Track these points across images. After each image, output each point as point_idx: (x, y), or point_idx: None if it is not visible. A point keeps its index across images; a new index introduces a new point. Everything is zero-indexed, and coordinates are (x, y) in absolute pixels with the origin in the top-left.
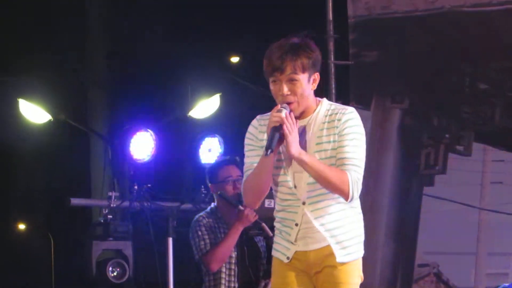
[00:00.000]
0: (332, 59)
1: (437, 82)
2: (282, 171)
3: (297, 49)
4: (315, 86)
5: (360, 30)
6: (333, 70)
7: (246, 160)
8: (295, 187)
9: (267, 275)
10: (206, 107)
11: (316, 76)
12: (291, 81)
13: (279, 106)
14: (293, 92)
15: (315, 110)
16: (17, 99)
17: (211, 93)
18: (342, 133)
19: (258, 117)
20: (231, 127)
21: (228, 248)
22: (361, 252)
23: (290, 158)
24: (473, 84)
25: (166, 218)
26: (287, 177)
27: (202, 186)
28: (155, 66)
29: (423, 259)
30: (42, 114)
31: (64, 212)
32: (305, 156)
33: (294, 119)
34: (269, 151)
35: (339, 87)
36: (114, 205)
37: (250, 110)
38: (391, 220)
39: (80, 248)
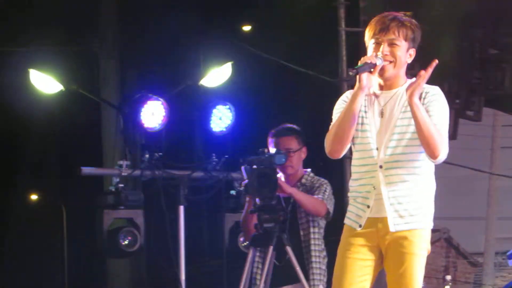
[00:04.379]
0: (343, 26)
1: (448, 48)
2: (366, 134)
3: (403, 20)
4: (409, 60)
5: None
6: (344, 37)
7: (333, 120)
8: (376, 149)
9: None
10: (217, 75)
11: (413, 52)
12: (392, 44)
13: (374, 53)
14: (392, 54)
15: (403, 84)
16: (28, 69)
17: (222, 61)
18: (430, 103)
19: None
20: (243, 96)
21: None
22: (427, 223)
23: (375, 121)
24: (483, 49)
25: (177, 186)
26: (370, 139)
27: (213, 154)
28: (166, 35)
29: (434, 225)
30: (53, 84)
31: (75, 181)
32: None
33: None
34: (355, 71)
35: (350, 54)
36: (125, 174)
37: (261, 79)
38: None
39: (91, 217)
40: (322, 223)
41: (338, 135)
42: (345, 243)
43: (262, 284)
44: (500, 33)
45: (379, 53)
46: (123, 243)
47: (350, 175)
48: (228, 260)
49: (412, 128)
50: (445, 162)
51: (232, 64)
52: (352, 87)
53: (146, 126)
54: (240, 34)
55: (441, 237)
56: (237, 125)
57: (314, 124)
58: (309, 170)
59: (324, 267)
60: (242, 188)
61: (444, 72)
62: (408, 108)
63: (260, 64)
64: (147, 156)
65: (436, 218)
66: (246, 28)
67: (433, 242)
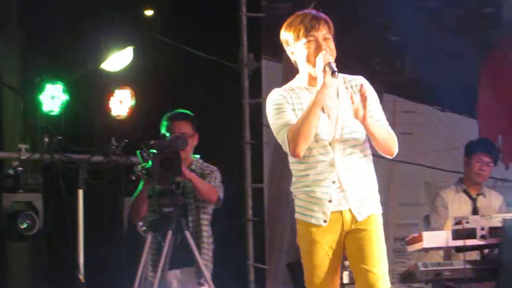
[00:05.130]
0: (244, 11)
1: (348, 34)
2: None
3: (322, 15)
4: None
5: None
6: (245, 22)
7: (280, 118)
8: (330, 144)
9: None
10: (118, 59)
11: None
12: (326, 39)
13: (323, 52)
14: (329, 48)
15: None
16: None
17: (124, 46)
18: (367, 97)
19: (283, 87)
20: (143, 80)
21: None
22: (380, 208)
23: (321, 117)
24: (384, 35)
25: (77, 170)
26: (321, 136)
27: (113, 138)
28: (67, 18)
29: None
30: None
31: None
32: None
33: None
34: (336, 73)
35: (251, 40)
36: (25, 157)
37: (162, 63)
38: None
39: None
40: (211, 209)
41: (304, 135)
42: (310, 241)
43: (160, 268)
44: (401, 19)
45: (324, 50)
46: (22, 227)
47: (262, 163)
48: (127, 245)
49: (355, 118)
50: None
51: (134, 49)
52: (252, 72)
53: (46, 110)
54: (142, 18)
55: None
56: (137, 109)
57: (214, 109)
58: (197, 156)
59: (211, 253)
60: (142, 173)
61: (344, 58)
62: (347, 99)
63: (162, 49)
64: (46, 139)
65: None
66: (148, 12)
67: None
